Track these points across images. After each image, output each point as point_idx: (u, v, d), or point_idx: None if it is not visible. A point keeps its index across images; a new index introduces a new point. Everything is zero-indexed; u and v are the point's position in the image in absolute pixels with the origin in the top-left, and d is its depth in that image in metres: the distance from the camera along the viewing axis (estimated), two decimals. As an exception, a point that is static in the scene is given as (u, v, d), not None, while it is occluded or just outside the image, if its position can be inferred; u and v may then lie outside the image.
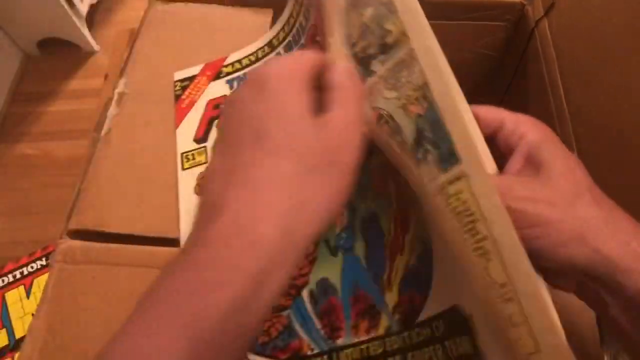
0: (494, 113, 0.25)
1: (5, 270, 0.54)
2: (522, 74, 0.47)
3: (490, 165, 0.23)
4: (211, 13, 0.44)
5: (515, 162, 0.24)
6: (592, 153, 0.35)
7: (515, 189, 0.23)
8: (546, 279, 0.23)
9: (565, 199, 0.22)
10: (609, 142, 0.33)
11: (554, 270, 0.23)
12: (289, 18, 0.38)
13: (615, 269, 0.21)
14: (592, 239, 0.22)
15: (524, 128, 0.25)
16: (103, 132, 0.38)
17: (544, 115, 0.41)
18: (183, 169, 0.36)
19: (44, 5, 1.04)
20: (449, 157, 0.22)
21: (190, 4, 0.45)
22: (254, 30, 0.41)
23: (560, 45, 0.40)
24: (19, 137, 1.09)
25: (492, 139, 0.25)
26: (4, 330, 0.48)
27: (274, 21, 0.41)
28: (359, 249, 0.31)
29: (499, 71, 0.51)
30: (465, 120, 0.22)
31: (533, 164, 0.24)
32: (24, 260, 0.53)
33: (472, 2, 0.42)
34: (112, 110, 0.39)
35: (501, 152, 0.25)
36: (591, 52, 0.35)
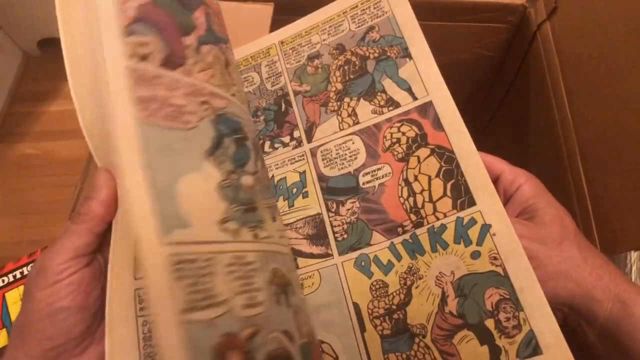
0: (496, 163, 0.30)
1: (5, 270, 0.54)
2: (522, 77, 0.47)
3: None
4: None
5: (513, 209, 0.28)
6: (596, 159, 0.35)
7: (515, 227, 0.26)
8: None
9: (554, 240, 0.26)
10: (613, 147, 0.33)
11: None
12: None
13: (591, 300, 0.25)
14: (574, 274, 0.26)
15: (521, 180, 0.28)
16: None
17: (546, 118, 0.41)
18: None
19: (44, 5, 1.04)
20: None
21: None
22: (254, 25, 0.41)
23: (562, 49, 0.40)
24: (19, 137, 1.08)
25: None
26: (4, 330, 0.48)
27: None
28: None
29: (499, 73, 0.51)
30: None
31: (528, 211, 0.28)
32: (24, 260, 0.53)
33: (474, 4, 0.42)
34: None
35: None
36: (595, 56, 0.35)
